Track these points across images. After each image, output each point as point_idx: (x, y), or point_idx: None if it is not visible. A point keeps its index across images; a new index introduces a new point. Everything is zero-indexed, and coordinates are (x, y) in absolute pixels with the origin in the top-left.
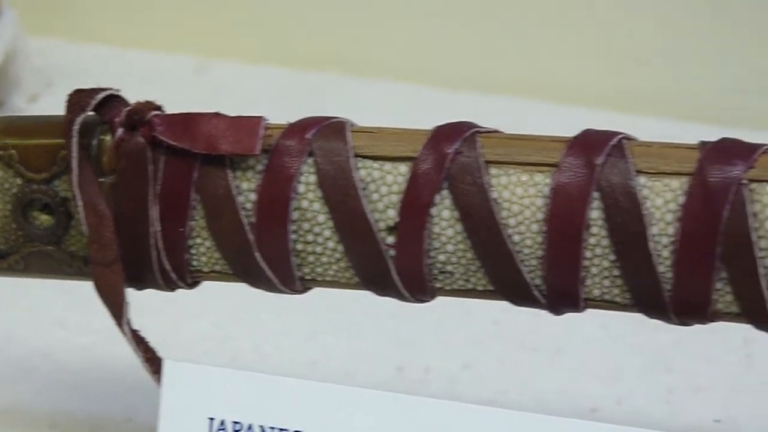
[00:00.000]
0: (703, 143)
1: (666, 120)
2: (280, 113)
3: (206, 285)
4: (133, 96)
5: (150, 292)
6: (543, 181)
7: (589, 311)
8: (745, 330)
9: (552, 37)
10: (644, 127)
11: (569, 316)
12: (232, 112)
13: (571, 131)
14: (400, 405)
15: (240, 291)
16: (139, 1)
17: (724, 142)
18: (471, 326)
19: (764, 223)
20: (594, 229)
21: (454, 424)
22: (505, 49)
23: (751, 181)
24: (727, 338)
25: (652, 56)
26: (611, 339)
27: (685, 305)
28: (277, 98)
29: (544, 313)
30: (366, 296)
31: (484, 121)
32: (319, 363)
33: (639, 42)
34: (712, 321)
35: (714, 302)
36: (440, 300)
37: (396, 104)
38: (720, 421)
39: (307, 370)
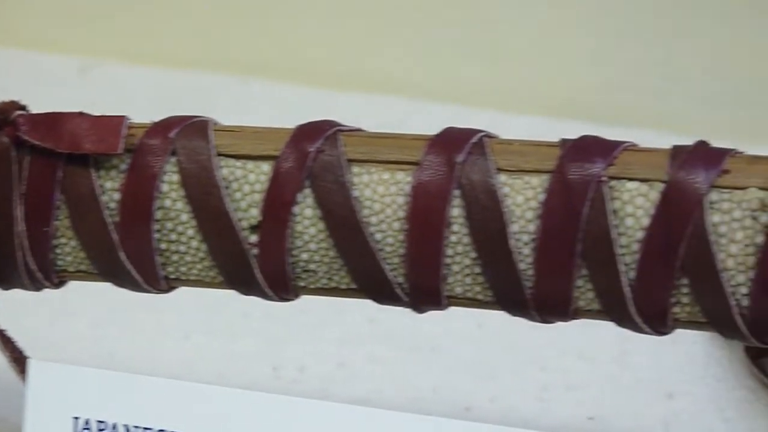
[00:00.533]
0: (564, 141)
1: (541, 117)
2: (164, 113)
3: (82, 284)
4: (17, 97)
5: (27, 292)
6: (404, 179)
7: (466, 310)
8: (620, 328)
9: (429, 34)
10: (519, 125)
11: (445, 315)
12: (115, 112)
13: None
14: (273, 405)
15: (116, 290)
16: (23, 2)
17: (585, 139)
18: (347, 325)
19: (624, 221)
20: (455, 227)
21: (327, 424)
22: (384, 48)
23: (611, 178)
24: (601, 336)
25: (527, 54)
26: (486, 337)
27: (546, 302)
28: (160, 98)
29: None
30: (241, 295)
31: (364, 121)
32: (194, 362)
33: (514, 40)
34: (574, 318)
35: (575, 300)
36: (316, 299)
37: (275, 103)
38: (593, 419)
39: (182, 370)
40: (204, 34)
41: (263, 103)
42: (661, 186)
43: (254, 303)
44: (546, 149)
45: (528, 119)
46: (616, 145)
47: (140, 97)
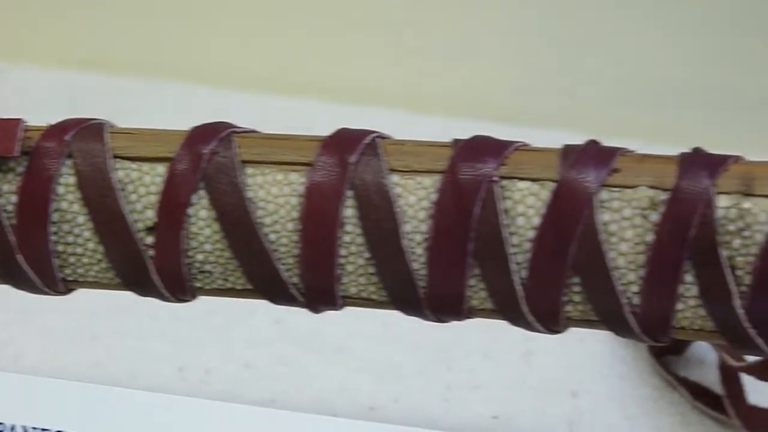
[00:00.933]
0: (456, 141)
1: (452, 118)
2: (78, 115)
3: None
4: None
5: None
6: (298, 180)
7: (372, 310)
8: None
9: (340, 36)
10: (429, 126)
11: (351, 316)
12: (30, 115)
13: None
14: (178, 407)
15: (22, 292)
16: None
17: (476, 139)
18: (254, 326)
19: (515, 220)
20: (348, 227)
21: (233, 425)
22: (294, 50)
23: (503, 178)
24: (507, 336)
25: (442, 56)
26: (392, 337)
27: (439, 302)
28: (73, 101)
29: (327, 312)
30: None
31: (273, 123)
32: (102, 364)
33: (429, 42)
34: (468, 317)
35: (468, 299)
36: (224, 301)
37: (185, 105)
38: (498, 418)
39: (90, 371)
40: (115, 37)
41: (173, 105)
42: (552, 185)
43: (162, 304)
44: (438, 149)
45: (439, 120)
46: (507, 144)
47: (54, 99)
